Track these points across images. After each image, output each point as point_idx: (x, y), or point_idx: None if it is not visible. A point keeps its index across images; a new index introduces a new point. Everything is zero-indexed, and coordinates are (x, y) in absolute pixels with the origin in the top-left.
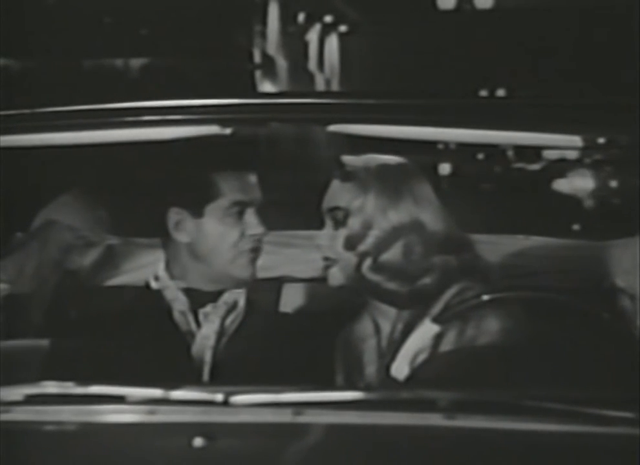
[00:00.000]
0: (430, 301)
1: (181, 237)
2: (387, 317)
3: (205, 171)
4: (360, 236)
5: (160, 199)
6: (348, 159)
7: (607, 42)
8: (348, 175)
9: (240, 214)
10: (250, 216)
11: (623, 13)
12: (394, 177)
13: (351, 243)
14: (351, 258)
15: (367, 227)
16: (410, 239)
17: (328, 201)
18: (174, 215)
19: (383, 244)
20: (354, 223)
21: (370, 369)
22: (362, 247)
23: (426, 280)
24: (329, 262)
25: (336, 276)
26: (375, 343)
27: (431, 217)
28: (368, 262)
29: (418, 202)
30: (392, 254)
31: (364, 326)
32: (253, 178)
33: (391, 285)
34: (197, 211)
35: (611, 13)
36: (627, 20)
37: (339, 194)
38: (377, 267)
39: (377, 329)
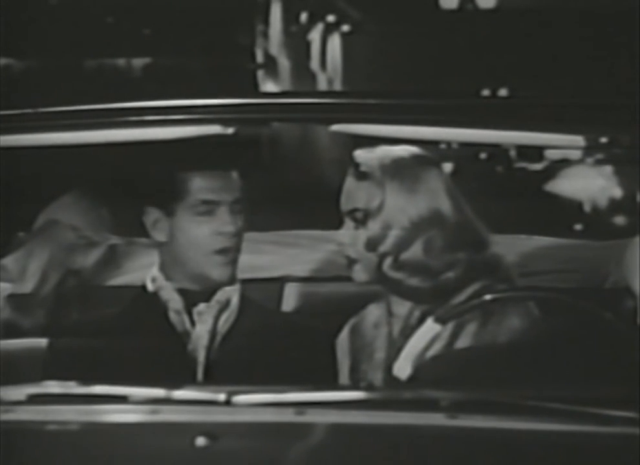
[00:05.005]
0: (451, 296)
1: (159, 236)
2: (403, 305)
3: (178, 170)
4: (380, 237)
5: (145, 198)
6: (360, 154)
7: (608, 42)
8: (363, 174)
9: (211, 213)
10: (222, 214)
11: (624, 14)
12: (409, 171)
13: (372, 245)
14: (372, 257)
15: (387, 227)
16: (430, 234)
17: (346, 202)
18: (151, 214)
19: (404, 243)
20: (374, 225)
21: (380, 355)
22: (382, 248)
23: (450, 274)
24: (350, 261)
25: (360, 273)
26: (388, 331)
27: (450, 207)
28: (388, 261)
29: (435, 193)
30: (413, 252)
31: (378, 313)
32: (233, 176)
33: (413, 281)
34: (170, 210)
35: (612, 14)
36: (628, 20)
37: (355, 194)
38: (398, 265)
39: (391, 316)
